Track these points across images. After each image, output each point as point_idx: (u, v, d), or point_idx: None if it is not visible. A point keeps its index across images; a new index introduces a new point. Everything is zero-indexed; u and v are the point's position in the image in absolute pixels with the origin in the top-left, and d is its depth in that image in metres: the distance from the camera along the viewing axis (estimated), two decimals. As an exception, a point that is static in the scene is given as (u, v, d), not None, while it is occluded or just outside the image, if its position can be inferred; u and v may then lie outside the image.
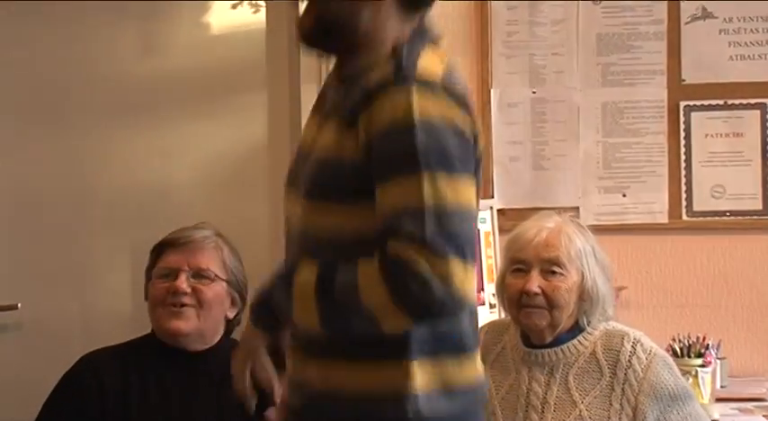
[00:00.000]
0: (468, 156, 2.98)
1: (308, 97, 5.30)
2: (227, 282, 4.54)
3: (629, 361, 4.24)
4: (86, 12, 5.77)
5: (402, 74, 2.95)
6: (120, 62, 5.80)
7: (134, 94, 5.77)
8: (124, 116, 5.76)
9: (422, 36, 3.13)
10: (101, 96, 5.78)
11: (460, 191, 2.91)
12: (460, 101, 2.98)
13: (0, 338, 5.66)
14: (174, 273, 4.49)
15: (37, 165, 5.81)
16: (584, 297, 3.84)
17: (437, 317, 2.95)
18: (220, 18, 5.82)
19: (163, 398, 4.40)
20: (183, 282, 4.45)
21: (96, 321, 4.81)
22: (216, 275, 4.52)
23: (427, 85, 2.92)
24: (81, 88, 5.80)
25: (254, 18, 5.75)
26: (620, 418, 4.20)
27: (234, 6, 5.76)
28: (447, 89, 2.96)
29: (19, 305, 5.70)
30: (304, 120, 5.37)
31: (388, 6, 3.11)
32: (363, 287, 2.91)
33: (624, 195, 5.46)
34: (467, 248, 2.90)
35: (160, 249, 4.60)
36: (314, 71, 5.54)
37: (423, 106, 2.90)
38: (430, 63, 3.01)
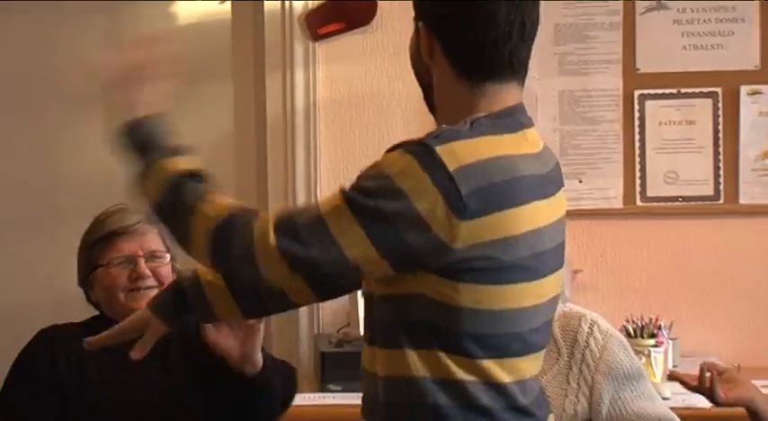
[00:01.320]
0: (393, 228, 2.86)
1: (273, 85, 5.73)
2: (171, 257, 4.61)
3: (586, 341, 4.36)
4: (55, 3, 5.86)
5: (420, 144, 2.90)
6: (87, 52, 5.85)
7: (101, 83, 5.90)
8: (91, 105, 5.81)
9: (492, 123, 3.00)
10: (68, 86, 5.85)
11: (345, 228, 2.89)
12: (449, 188, 2.84)
13: None
14: (131, 260, 4.52)
15: (6, 154, 5.93)
16: None
17: (223, 263, 3.02)
18: (186, 9, 5.91)
19: (117, 366, 4.34)
20: (144, 267, 4.50)
21: (65, 307, 4.77)
22: (163, 254, 4.59)
23: (429, 159, 2.86)
24: (48, 78, 5.93)
25: (219, 9, 5.81)
26: (576, 396, 4.29)
27: None
28: (444, 174, 2.84)
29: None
30: (269, 109, 5.63)
31: (442, 69, 3.09)
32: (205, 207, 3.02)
33: (580, 181, 5.57)
34: (302, 265, 2.92)
35: (107, 239, 4.57)
36: (278, 61, 5.70)
37: (401, 170, 2.88)
38: (468, 149, 2.91)
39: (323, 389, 5.01)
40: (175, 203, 3.09)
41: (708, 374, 3.90)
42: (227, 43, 5.85)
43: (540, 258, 3.02)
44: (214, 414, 4.48)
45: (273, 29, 5.73)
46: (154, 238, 4.60)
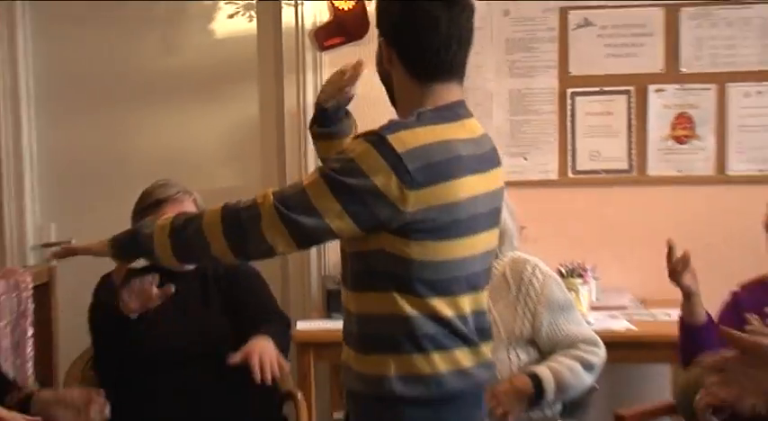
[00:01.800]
0: (366, 201, 2.97)
1: (289, 85, 5.74)
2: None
3: (530, 280, 4.44)
4: (122, 21, 5.87)
5: (375, 134, 3.01)
6: (148, 59, 5.91)
7: (158, 83, 5.91)
8: (151, 99, 5.90)
9: (436, 114, 3.10)
10: (133, 84, 5.91)
11: (322, 199, 2.97)
12: (398, 166, 2.96)
13: (60, 268, 5.57)
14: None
15: (87, 135, 5.94)
16: (500, 233, 3.85)
17: (245, 229, 3.06)
18: (221, 25, 5.89)
19: (165, 301, 4.30)
20: None
21: None
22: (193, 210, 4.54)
23: (383, 144, 2.98)
24: (120, 78, 5.91)
25: (247, 26, 5.83)
26: (523, 322, 4.39)
27: (231, 16, 5.86)
28: (394, 156, 2.97)
29: (73, 240, 5.82)
30: (286, 103, 5.60)
31: (399, 73, 3.17)
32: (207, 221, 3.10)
33: (525, 158, 5.59)
34: (290, 229, 3.01)
35: (156, 206, 4.56)
36: (293, 66, 5.70)
37: (360, 153, 2.99)
38: (412, 135, 3.02)
39: (328, 317, 5.16)
40: (186, 243, 3.14)
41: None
42: (254, 52, 5.82)
43: (475, 219, 3.12)
44: (238, 337, 4.41)
45: (289, 41, 5.71)
46: (190, 204, 4.58)
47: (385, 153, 2.96)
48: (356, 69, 3.54)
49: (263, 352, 4.20)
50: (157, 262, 3.33)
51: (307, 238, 3.06)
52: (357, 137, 3.10)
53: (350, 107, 3.58)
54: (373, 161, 2.97)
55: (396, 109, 3.27)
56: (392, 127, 3.02)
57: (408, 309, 3.07)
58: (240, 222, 3.06)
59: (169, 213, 4.22)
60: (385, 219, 2.98)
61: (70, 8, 5.86)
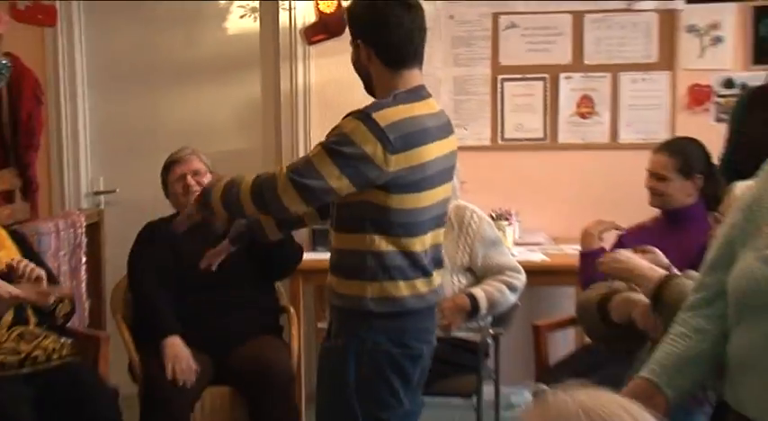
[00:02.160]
0: (360, 165, 3.04)
1: (285, 71, 5.72)
2: (210, 171, 4.58)
3: (468, 222, 4.54)
4: (154, 19, 5.89)
5: (365, 112, 3.07)
6: (174, 50, 5.91)
7: (182, 69, 5.89)
8: (176, 81, 5.89)
9: (407, 95, 3.15)
10: (162, 69, 5.88)
11: (325, 166, 3.03)
12: (382, 137, 3.03)
13: (107, 211, 5.75)
14: (183, 177, 4.55)
15: (127, 109, 5.92)
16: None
17: (262, 205, 3.16)
18: (232, 24, 5.89)
19: (186, 237, 4.13)
20: (190, 180, 4.52)
21: (164, 203, 4.75)
22: (203, 170, 4.58)
23: (369, 121, 3.05)
24: (152, 64, 5.90)
25: (252, 24, 5.82)
26: (462, 254, 4.53)
27: (241, 17, 5.84)
28: (379, 127, 3.04)
29: (117, 189, 5.90)
30: (282, 87, 5.60)
31: (375, 64, 3.17)
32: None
33: (465, 129, 5.55)
34: (302, 193, 3.08)
35: (170, 165, 4.63)
36: (287, 56, 5.67)
37: (352, 129, 3.04)
38: (390, 113, 3.08)
39: (314, 250, 5.18)
40: (230, 206, 3.20)
41: None
42: (257, 45, 5.80)
43: (437, 176, 3.19)
44: (263, 270, 4.53)
45: (285, 37, 5.69)
46: (197, 163, 4.61)
47: (371, 127, 3.03)
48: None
49: None
50: (223, 219, 3.43)
51: (313, 198, 3.11)
52: (348, 115, 3.11)
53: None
54: (362, 134, 3.03)
55: (374, 93, 3.25)
56: (375, 106, 3.10)
57: (384, 246, 3.13)
58: (262, 191, 3.11)
59: (179, 171, 4.59)
60: (373, 178, 3.05)
61: (114, 8, 5.80)
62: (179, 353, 4.25)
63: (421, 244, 3.20)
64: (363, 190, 3.10)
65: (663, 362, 2.50)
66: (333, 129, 3.15)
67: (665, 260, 3.13)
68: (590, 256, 4.11)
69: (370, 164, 3.04)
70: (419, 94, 3.20)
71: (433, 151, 3.16)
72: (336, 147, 3.06)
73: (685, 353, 2.50)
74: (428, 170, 3.15)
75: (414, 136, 3.10)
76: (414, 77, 3.21)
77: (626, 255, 3.13)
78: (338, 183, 3.06)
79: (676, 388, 2.47)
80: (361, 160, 3.05)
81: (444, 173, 3.26)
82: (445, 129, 3.28)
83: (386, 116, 3.06)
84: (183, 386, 4.24)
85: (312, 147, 3.20)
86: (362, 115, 3.07)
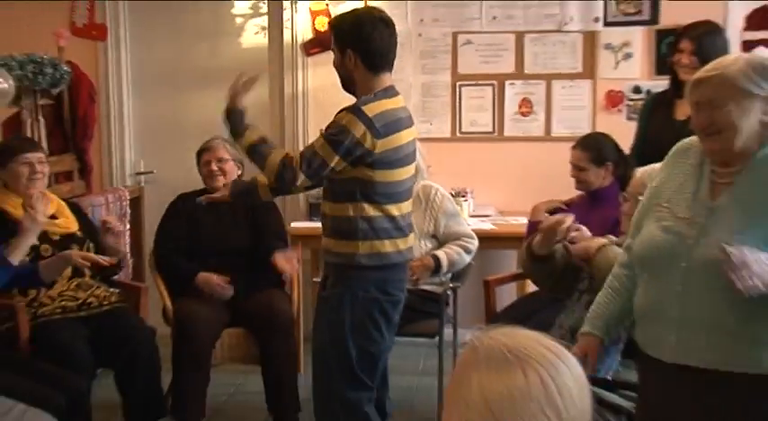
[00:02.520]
0: (353, 148, 3.10)
1: (288, 77, 5.67)
2: (233, 160, 4.50)
3: (433, 198, 4.50)
4: (184, 33, 5.85)
5: (356, 106, 3.13)
6: (200, 59, 5.84)
7: (206, 74, 5.76)
8: (201, 85, 5.76)
9: (384, 93, 3.20)
10: (190, 74, 5.83)
11: (327, 152, 3.10)
12: (371, 125, 3.09)
13: (146, 187, 5.75)
14: (209, 163, 4.49)
15: (163, 106, 5.89)
16: (416, 169, 3.65)
17: (280, 183, 3.21)
18: (246, 39, 5.84)
19: (208, 211, 4.33)
20: (213, 166, 4.46)
21: (190, 180, 4.75)
22: (227, 158, 4.49)
23: (360, 114, 3.11)
24: (182, 69, 5.85)
25: (263, 40, 5.76)
26: (428, 224, 4.48)
27: (256, 33, 5.80)
28: (368, 119, 3.10)
29: (154, 170, 5.87)
30: (286, 90, 5.56)
31: (359, 69, 3.19)
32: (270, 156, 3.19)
33: (431, 124, 5.52)
34: (309, 171, 3.13)
35: (201, 152, 4.55)
36: (290, 65, 5.64)
37: (347, 120, 3.10)
38: (376, 106, 3.14)
39: (310, 220, 5.12)
40: (255, 158, 3.24)
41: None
42: (266, 57, 5.72)
43: (407, 157, 3.26)
44: (256, 242, 4.47)
45: (288, 50, 5.66)
46: (222, 150, 4.50)
47: (362, 118, 3.09)
48: (247, 85, 3.42)
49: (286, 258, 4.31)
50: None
51: (316, 175, 3.15)
52: (342, 110, 3.17)
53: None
54: (355, 123, 3.09)
55: (352, 91, 3.28)
56: (363, 101, 3.15)
57: (372, 212, 3.20)
58: (284, 167, 3.15)
59: (206, 157, 4.52)
60: (362, 157, 3.12)
61: (152, 26, 5.80)
62: (209, 279, 4.25)
63: (398, 210, 3.25)
64: (355, 167, 3.13)
65: (601, 315, 2.63)
66: (332, 122, 3.19)
67: (589, 233, 3.21)
68: (535, 225, 4.07)
69: (361, 146, 3.10)
70: (391, 92, 3.24)
71: (405, 137, 3.23)
72: (334, 137, 3.11)
73: (617, 309, 2.60)
74: (402, 152, 3.22)
75: (393, 124, 3.16)
76: (387, 79, 3.25)
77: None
78: (336, 163, 3.11)
79: (612, 334, 2.65)
80: (354, 145, 3.09)
81: (411, 154, 3.31)
82: (410, 121, 3.33)
83: (372, 109, 3.12)
84: (205, 327, 4.22)
85: (310, 138, 3.25)
86: (354, 109, 3.13)
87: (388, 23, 3.21)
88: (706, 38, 4.04)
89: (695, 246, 2.31)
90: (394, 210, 3.23)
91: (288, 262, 4.34)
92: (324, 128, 3.26)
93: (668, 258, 2.35)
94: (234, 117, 3.30)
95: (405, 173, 3.27)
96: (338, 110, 3.26)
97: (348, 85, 3.30)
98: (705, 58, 3.76)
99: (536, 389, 1.30)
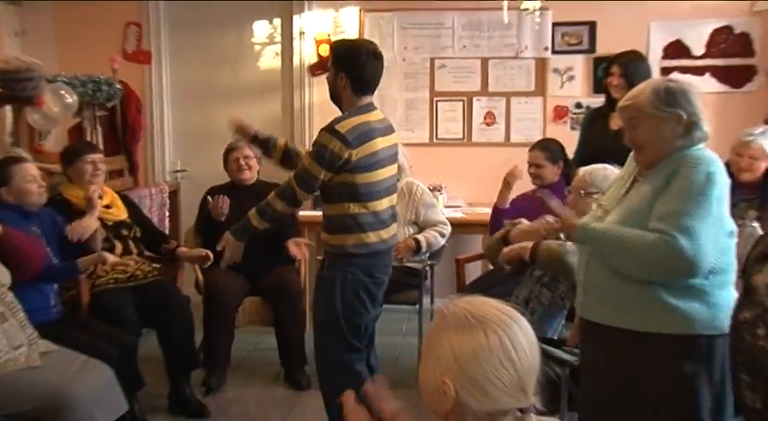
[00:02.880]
0: (333, 160, 3.01)
1: (296, 95, 5.61)
2: (255, 157, 4.46)
3: (414, 192, 4.48)
4: (212, 57, 5.74)
5: (331, 126, 3.04)
6: (225, 78, 5.76)
7: (230, 91, 5.72)
8: (226, 99, 5.68)
9: (359, 110, 3.10)
10: (217, 91, 5.73)
11: (313, 168, 3.03)
12: (344, 140, 2.99)
13: (182, 182, 5.69)
14: (238, 159, 4.46)
15: (196, 116, 5.81)
16: (400, 169, 3.79)
17: (290, 204, 3.15)
18: (264, 62, 5.76)
19: (238, 199, 4.30)
20: (241, 162, 4.44)
21: (217, 176, 4.69)
22: (251, 156, 4.46)
23: (336, 132, 3.01)
24: (211, 87, 5.75)
25: (277, 63, 5.70)
26: (411, 213, 4.46)
27: (274, 57, 5.73)
28: (343, 135, 3.00)
29: (188, 169, 5.83)
30: (295, 104, 5.46)
31: (346, 90, 3.11)
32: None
33: (413, 132, 5.47)
34: (304, 187, 3.08)
35: (230, 151, 4.49)
36: (298, 84, 5.61)
37: (325, 139, 3.01)
38: (348, 123, 3.05)
39: (315, 210, 4.97)
40: (268, 212, 3.16)
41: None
42: (279, 76, 5.70)
43: (383, 160, 3.14)
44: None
45: (297, 72, 5.62)
46: (247, 149, 4.45)
47: (335, 134, 3.00)
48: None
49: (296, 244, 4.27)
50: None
51: (309, 187, 3.10)
52: (322, 129, 3.08)
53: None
54: (330, 140, 3.01)
55: (338, 103, 3.18)
56: (337, 120, 3.06)
57: (357, 210, 3.11)
58: (284, 193, 3.13)
59: (234, 155, 4.46)
60: (341, 166, 3.03)
61: (187, 52, 5.75)
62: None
63: (380, 205, 3.15)
64: (339, 174, 3.07)
65: None
66: (315, 141, 3.12)
67: (528, 223, 3.16)
68: (499, 212, 4.24)
69: (338, 157, 3.02)
70: (367, 108, 3.13)
71: (379, 143, 3.11)
72: (317, 154, 3.05)
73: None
74: (378, 156, 3.11)
75: (365, 134, 3.06)
76: (367, 100, 3.15)
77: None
78: (322, 175, 3.06)
79: None
80: (332, 157, 3.02)
81: (388, 158, 3.19)
82: (387, 130, 3.21)
83: (343, 126, 3.04)
84: (230, 296, 4.22)
85: (305, 157, 3.17)
86: (329, 128, 3.05)
87: (378, 56, 3.13)
88: (631, 64, 4.03)
89: None
90: (376, 206, 3.14)
91: (298, 248, 4.31)
92: (311, 146, 3.20)
93: None
94: (238, 231, 3.27)
95: (382, 174, 3.16)
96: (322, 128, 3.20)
97: (335, 98, 3.21)
98: (630, 80, 3.81)
99: (495, 345, 1.34)
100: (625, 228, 2.24)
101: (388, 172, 3.20)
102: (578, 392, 2.64)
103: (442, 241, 4.46)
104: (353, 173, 3.07)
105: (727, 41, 5.22)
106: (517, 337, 1.35)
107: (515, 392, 1.35)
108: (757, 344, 1.74)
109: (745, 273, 1.83)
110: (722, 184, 2.24)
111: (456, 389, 1.35)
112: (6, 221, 3.29)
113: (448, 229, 4.49)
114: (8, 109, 4.36)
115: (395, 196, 3.32)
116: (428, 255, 4.55)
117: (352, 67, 3.10)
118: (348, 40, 3.30)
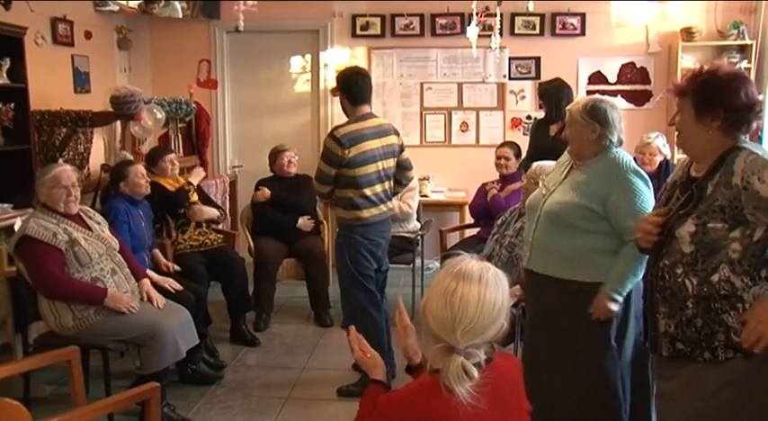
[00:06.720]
0: (334, 160, 2.96)
1: (323, 110, 5.46)
2: (296, 156, 4.35)
3: (410, 180, 4.32)
4: (258, 83, 5.64)
5: (331, 132, 3.03)
6: (269, 98, 5.65)
7: (273, 108, 5.64)
8: (271, 114, 5.64)
9: (357, 119, 3.05)
10: (263, 108, 5.64)
11: (323, 166, 3.00)
12: (340, 142, 2.95)
13: (239, 175, 5.60)
14: (282, 160, 4.34)
15: (248, 126, 5.72)
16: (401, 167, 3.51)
17: (321, 198, 3.19)
18: (299, 86, 5.64)
19: (280, 187, 4.27)
20: (286, 161, 4.32)
21: (263, 171, 4.53)
22: (295, 156, 4.36)
23: (334, 137, 2.98)
24: (258, 105, 5.65)
25: (308, 87, 5.59)
26: (400, 199, 4.27)
27: (305, 82, 5.61)
28: (339, 139, 2.96)
29: (243, 165, 5.72)
30: (321, 117, 5.20)
31: (347, 102, 3.08)
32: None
33: (408, 136, 5.20)
34: (319, 180, 3.04)
35: (276, 153, 4.36)
36: (324, 102, 5.50)
37: (328, 143, 2.98)
38: (343, 129, 3.00)
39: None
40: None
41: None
42: (309, 96, 5.60)
43: (373, 157, 3.03)
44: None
45: (323, 92, 5.52)
46: (291, 152, 4.35)
47: (334, 139, 2.97)
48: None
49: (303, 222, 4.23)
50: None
51: (327, 182, 3.06)
52: (326, 136, 3.02)
53: (341, 119, 3.43)
54: (331, 143, 2.98)
55: (346, 113, 3.11)
56: (336, 128, 3.02)
57: (353, 194, 3.05)
58: (317, 195, 3.14)
59: (281, 157, 4.30)
60: (340, 162, 2.99)
61: (241, 78, 5.66)
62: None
63: (372, 191, 3.07)
64: (340, 169, 3.03)
65: None
66: (323, 145, 3.07)
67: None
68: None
69: (338, 156, 2.98)
70: (364, 117, 3.06)
71: (369, 145, 3.03)
72: (325, 157, 3.03)
73: None
74: (368, 155, 3.03)
75: (356, 138, 3.00)
76: (365, 109, 3.08)
77: None
78: (330, 171, 3.04)
79: None
80: (334, 157, 2.99)
81: (377, 155, 3.08)
82: (380, 134, 3.10)
83: (340, 132, 3.00)
84: (273, 257, 4.19)
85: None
86: (331, 134, 3.01)
87: (363, 75, 3.08)
88: (552, 88, 3.96)
89: (544, 202, 2.34)
90: (368, 191, 3.06)
91: (304, 224, 4.30)
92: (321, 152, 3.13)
93: (534, 207, 2.39)
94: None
95: (372, 168, 3.07)
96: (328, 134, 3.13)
97: (344, 110, 3.16)
98: (551, 100, 3.74)
99: (450, 290, 1.36)
100: (617, 263, 2.18)
101: (377, 167, 3.10)
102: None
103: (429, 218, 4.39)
104: (350, 167, 3.02)
105: (632, 73, 5.27)
106: (469, 291, 1.33)
107: (446, 330, 1.34)
108: (677, 282, 1.68)
109: (667, 228, 1.72)
110: (646, 180, 2.23)
111: (424, 308, 1.40)
112: (122, 206, 3.41)
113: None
114: (117, 123, 4.59)
115: (388, 183, 3.19)
116: (419, 226, 4.51)
117: (347, 86, 3.07)
118: (344, 69, 3.27)
